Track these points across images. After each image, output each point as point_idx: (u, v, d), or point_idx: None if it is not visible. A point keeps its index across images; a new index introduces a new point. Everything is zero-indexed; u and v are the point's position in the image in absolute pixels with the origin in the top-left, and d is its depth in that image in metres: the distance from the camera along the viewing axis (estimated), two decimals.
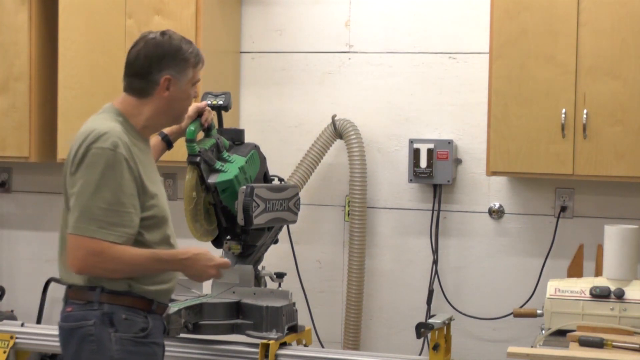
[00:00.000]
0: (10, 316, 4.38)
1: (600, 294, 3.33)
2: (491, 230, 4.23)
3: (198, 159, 3.36)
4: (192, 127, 3.34)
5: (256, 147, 3.61)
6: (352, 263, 4.28)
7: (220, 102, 3.63)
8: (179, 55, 2.83)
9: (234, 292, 3.57)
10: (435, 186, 4.25)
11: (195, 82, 2.91)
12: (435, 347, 3.47)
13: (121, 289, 2.78)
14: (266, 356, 3.35)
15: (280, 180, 3.77)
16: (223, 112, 3.67)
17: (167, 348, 3.59)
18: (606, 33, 3.71)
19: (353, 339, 4.30)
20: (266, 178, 3.67)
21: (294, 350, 3.46)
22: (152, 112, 2.86)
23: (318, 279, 4.44)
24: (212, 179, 3.42)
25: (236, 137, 3.62)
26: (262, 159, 3.64)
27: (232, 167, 3.46)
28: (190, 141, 3.36)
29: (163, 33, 2.85)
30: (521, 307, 4.05)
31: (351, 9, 4.39)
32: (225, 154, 3.49)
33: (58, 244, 2.85)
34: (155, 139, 3.25)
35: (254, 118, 4.49)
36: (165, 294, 2.90)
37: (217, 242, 3.63)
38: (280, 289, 3.59)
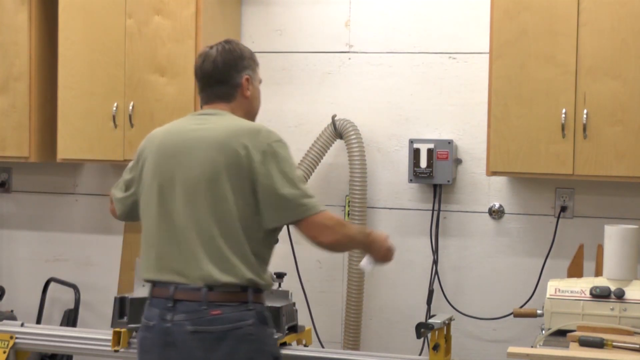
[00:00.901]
0: (10, 316, 4.37)
1: (600, 294, 3.32)
2: (491, 230, 4.23)
3: None
4: None
5: None
6: (352, 263, 4.28)
7: None
8: (248, 55, 3.02)
9: None
10: (435, 186, 4.25)
11: (260, 82, 3.09)
12: (435, 347, 3.47)
13: (264, 286, 2.92)
14: None
15: None
16: None
17: None
18: (606, 33, 3.71)
19: (353, 339, 4.30)
20: None
21: (294, 350, 3.46)
22: (242, 114, 3.00)
23: (318, 279, 4.44)
24: None
25: None
26: None
27: None
28: None
29: (226, 42, 3.01)
30: (521, 307, 4.05)
31: (351, 9, 4.39)
32: None
33: (182, 243, 2.84)
34: None
35: None
36: None
37: None
38: (280, 289, 3.59)
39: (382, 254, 3.06)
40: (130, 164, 3.09)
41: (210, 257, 2.82)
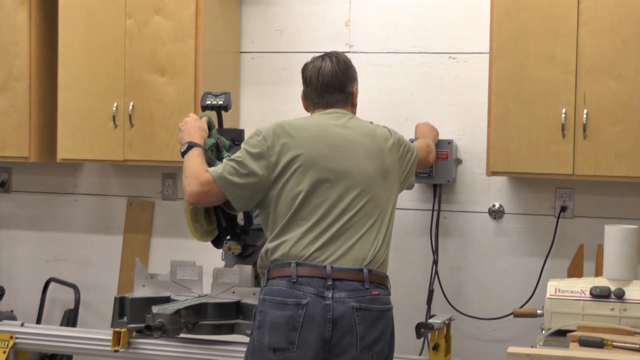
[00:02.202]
0: (10, 316, 4.38)
1: (600, 294, 3.33)
2: (491, 230, 4.23)
3: None
4: None
5: None
6: None
7: (220, 102, 3.63)
8: (354, 67, 3.36)
9: (234, 292, 3.57)
10: (435, 186, 4.25)
11: None
12: (435, 347, 3.47)
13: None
14: None
15: None
16: (223, 112, 3.68)
17: (166, 348, 3.61)
18: (606, 33, 3.71)
19: None
20: None
21: None
22: None
23: None
24: None
25: (236, 137, 3.63)
26: None
27: None
28: None
29: (336, 53, 3.34)
30: (521, 307, 4.05)
31: (351, 9, 4.39)
32: (225, 154, 3.49)
33: (345, 227, 3.11)
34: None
35: (254, 118, 4.49)
36: None
37: (217, 242, 3.62)
38: None
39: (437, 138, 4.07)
40: (254, 150, 3.18)
41: (373, 242, 3.12)
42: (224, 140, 3.54)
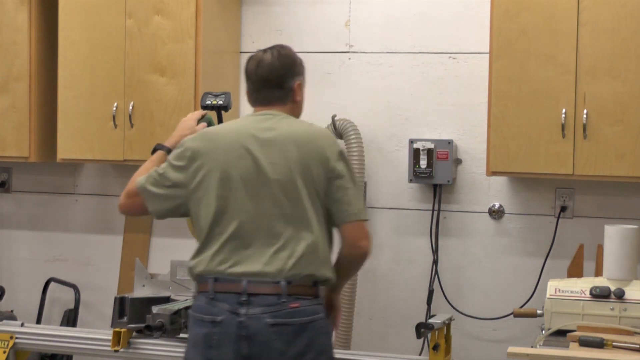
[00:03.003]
0: (10, 316, 4.38)
1: (600, 294, 3.33)
2: (491, 230, 4.23)
3: None
4: None
5: None
6: None
7: (220, 102, 3.63)
8: (299, 62, 3.15)
9: None
10: (435, 186, 4.25)
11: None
12: (435, 347, 3.47)
13: (328, 282, 3.05)
14: None
15: None
16: (223, 112, 3.67)
17: (166, 348, 3.61)
18: (606, 33, 3.71)
19: (344, 339, 4.26)
20: None
21: None
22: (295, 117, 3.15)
23: None
24: None
25: None
26: None
27: None
28: None
29: (281, 47, 3.14)
30: (521, 307, 4.05)
31: (351, 9, 4.39)
32: None
33: (263, 237, 2.95)
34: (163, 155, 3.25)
35: None
36: None
37: None
38: None
39: None
40: (175, 162, 3.06)
41: (292, 252, 2.94)
42: None
